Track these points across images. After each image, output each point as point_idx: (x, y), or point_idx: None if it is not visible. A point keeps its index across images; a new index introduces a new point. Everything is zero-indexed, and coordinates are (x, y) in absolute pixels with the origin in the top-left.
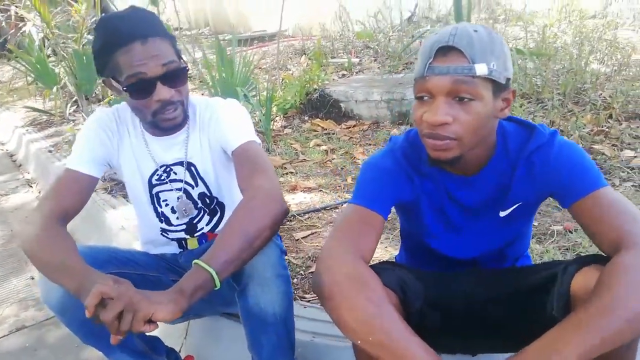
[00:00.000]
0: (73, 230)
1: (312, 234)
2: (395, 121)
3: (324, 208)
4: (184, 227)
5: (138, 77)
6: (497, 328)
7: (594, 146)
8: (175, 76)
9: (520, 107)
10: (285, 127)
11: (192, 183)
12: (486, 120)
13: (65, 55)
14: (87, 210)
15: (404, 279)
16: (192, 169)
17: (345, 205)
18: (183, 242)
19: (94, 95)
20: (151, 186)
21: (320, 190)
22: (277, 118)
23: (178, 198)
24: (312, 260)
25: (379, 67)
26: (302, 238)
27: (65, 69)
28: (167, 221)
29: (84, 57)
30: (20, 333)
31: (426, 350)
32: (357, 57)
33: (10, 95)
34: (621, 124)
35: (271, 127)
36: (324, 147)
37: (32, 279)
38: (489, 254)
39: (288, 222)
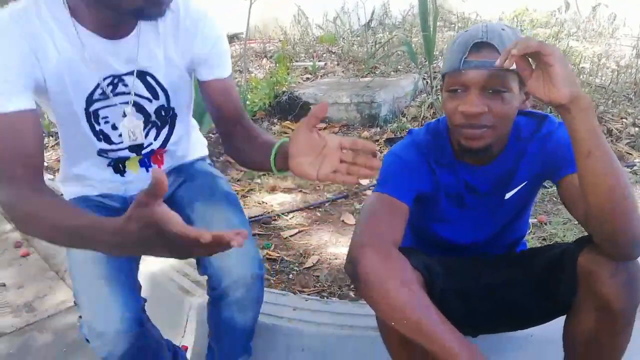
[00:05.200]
0: None
1: (299, 232)
2: (365, 124)
3: (308, 207)
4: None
5: None
6: (512, 310)
7: None
8: None
9: None
10: None
11: (149, 96)
12: (515, 109)
13: None
14: None
15: (427, 261)
16: (149, 78)
17: (370, 194)
18: (120, 164)
19: None
20: (89, 103)
21: (300, 191)
22: None
23: (125, 114)
24: (304, 257)
25: (342, 71)
26: (290, 236)
27: None
28: (107, 139)
29: None
30: (0, 340)
31: (457, 335)
32: (319, 60)
33: None
34: None
35: None
36: None
37: (4, 285)
38: (491, 237)
39: (273, 222)
